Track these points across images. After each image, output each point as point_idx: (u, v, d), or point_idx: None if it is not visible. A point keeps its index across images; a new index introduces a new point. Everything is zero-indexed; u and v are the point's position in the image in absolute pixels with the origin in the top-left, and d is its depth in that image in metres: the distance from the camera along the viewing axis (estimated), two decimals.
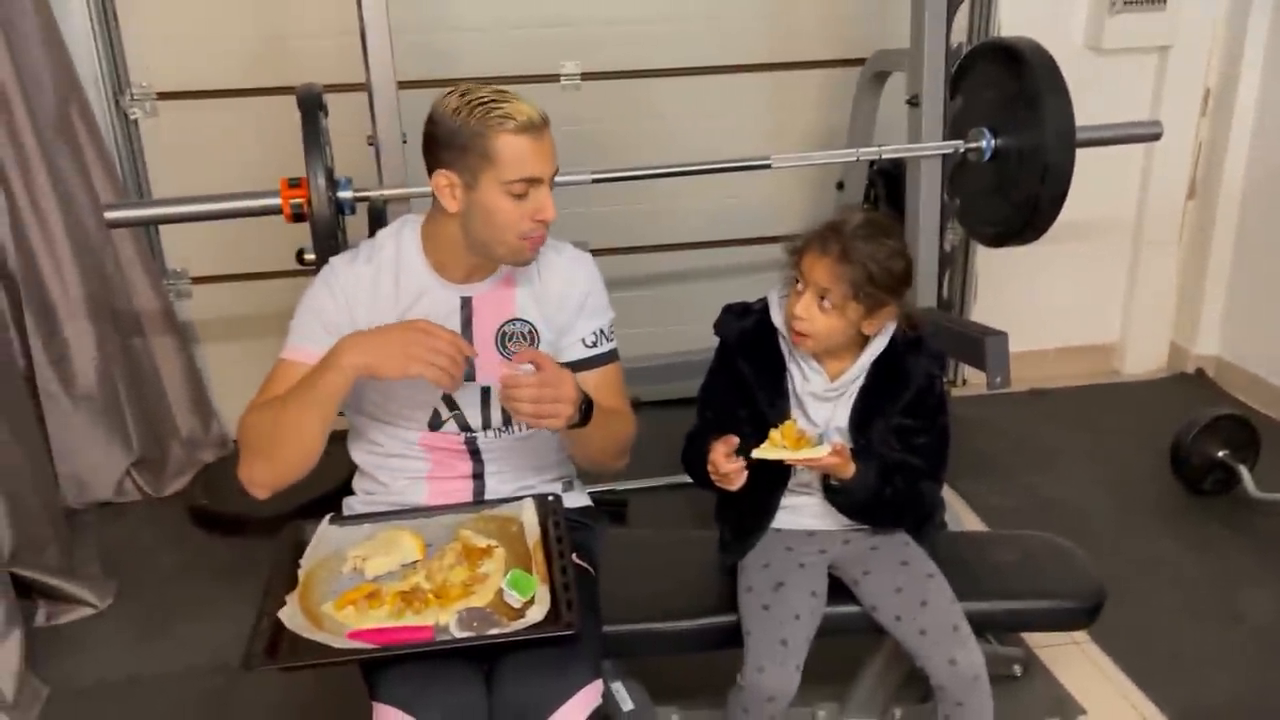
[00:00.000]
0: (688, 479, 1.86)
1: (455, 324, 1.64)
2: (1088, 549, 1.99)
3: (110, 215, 2.34)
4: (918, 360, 1.75)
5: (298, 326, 1.65)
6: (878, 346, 1.74)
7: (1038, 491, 2.96)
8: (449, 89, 1.58)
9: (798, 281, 1.69)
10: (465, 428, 1.70)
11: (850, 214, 1.71)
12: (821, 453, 1.63)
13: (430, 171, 1.59)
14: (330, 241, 2.11)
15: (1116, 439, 3.27)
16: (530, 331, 1.68)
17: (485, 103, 1.52)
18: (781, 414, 1.75)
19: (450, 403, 1.68)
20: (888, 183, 3.04)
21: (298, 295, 1.69)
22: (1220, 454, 2.87)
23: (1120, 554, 2.53)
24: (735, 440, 1.66)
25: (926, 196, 2.62)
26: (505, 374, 1.51)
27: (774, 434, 1.65)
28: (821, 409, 1.76)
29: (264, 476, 1.59)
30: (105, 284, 2.89)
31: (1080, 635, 2.33)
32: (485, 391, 1.67)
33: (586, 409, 1.58)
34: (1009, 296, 3.48)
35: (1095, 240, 3.58)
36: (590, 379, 1.74)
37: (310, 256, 2.23)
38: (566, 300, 1.70)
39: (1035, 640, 2.31)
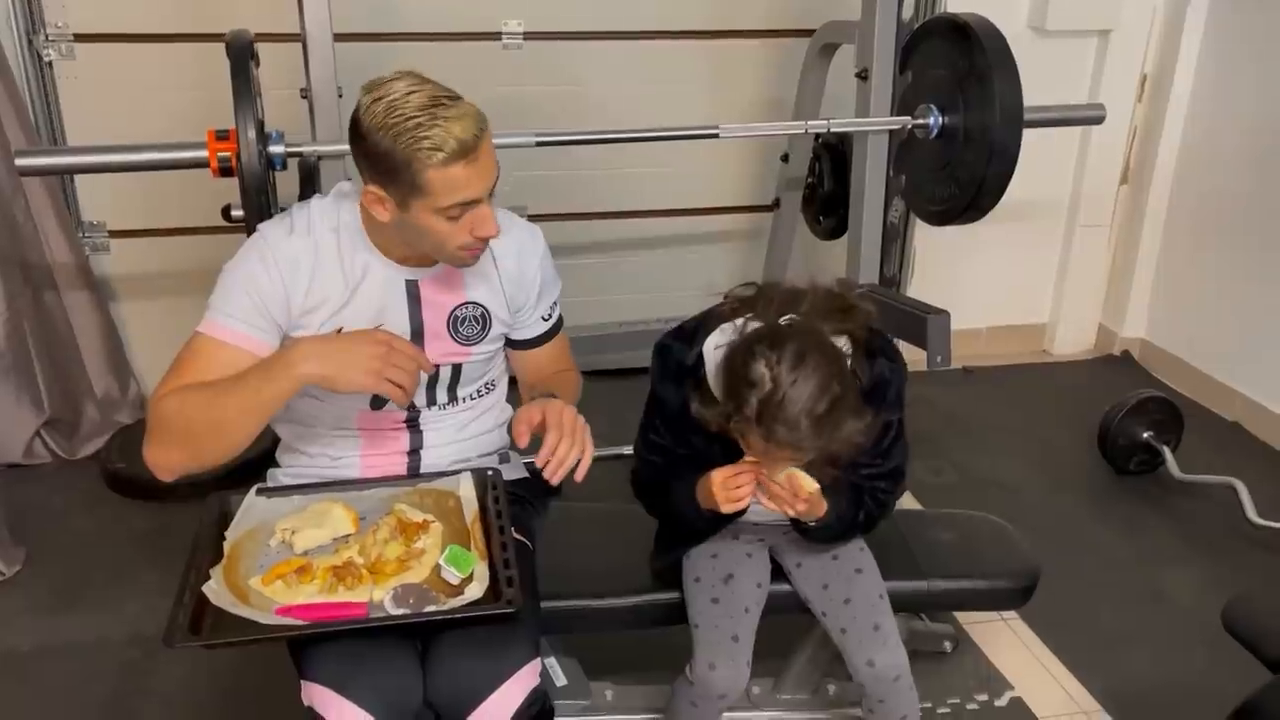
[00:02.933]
0: (626, 450, 1.81)
1: (402, 306, 1.56)
2: (1016, 528, 2.01)
3: (21, 162, 2.21)
4: (876, 414, 1.51)
5: (223, 301, 1.50)
6: None
7: (969, 470, 2.99)
8: (374, 90, 1.39)
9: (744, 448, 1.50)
10: (408, 406, 1.63)
11: (758, 369, 1.40)
12: (810, 487, 1.52)
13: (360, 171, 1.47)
14: (260, 198, 2.02)
15: (1045, 419, 3.32)
16: (483, 315, 1.62)
17: (413, 127, 1.34)
18: (738, 455, 1.59)
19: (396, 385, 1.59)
20: (833, 157, 3.02)
21: (223, 253, 1.57)
22: (1145, 435, 2.94)
23: (1048, 533, 2.57)
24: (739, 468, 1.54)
25: (872, 172, 2.61)
26: (540, 462, 1.49)
27: None
28: None
29: (177, 464, 1.50)
30: (15, 235, 2.74)
31: (1009, 613, 2.37)
32: (434, 370, 1.61)
33: None
34: (945, 274, 3.50)
35: (1030, 221, 3.63)
36: (544, 352, 1.74)
37: (238, 213, 2.14)
38: (522, 282, 1.64)
39: (965, 618, 2.33)
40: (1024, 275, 3.76)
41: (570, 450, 1.49)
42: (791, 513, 1.55)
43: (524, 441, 1.52)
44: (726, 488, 1.54)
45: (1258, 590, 2.18)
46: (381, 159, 1.37)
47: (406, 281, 1.55)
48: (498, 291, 1.62)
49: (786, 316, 1.49)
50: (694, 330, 1.60)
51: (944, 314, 2.32)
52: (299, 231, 1.53)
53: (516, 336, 1.70)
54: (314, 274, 1.51)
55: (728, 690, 1.63)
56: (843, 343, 1.51)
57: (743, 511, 1.60)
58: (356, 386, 1.42)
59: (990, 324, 3.78)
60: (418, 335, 1.57)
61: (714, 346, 1.55)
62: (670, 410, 1.62)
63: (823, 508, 1.59)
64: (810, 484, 1.53)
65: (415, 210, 1.41)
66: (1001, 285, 3.73)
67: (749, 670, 1.64)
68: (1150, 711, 2.08)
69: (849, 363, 1.50)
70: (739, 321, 1.52)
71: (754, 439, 1.44)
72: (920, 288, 3.49)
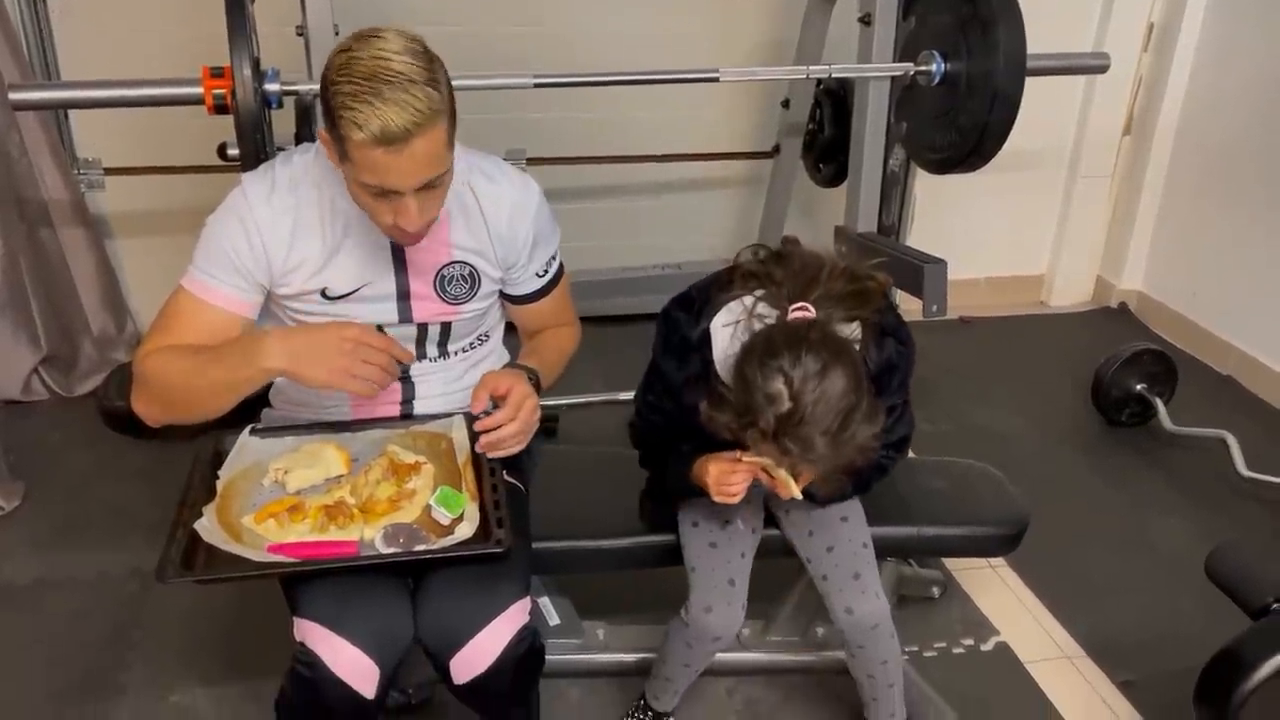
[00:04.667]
0: (621, 396, 1.82)
1: (386, 266, 1.52)
2: (1007, 477, 2.03)
3: (15, 96, 2.18)
4: (873, 379, 1.50)
5: (204, 258, 1.48)
6: None
7: (963, 419, 3.01)
8: (353, 39, 1.32)
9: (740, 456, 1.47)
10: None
11: (774, 384, 1.35)
12: (796, 493, 1.50)
13: None
14: (255, 136, 2.01)
15: (1040, 370, 3.33)
16: (471, 274, 1.57)
17: (349, 93, 1.27)
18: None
19: None
20: (834, 103, 3.00)
21: (219, 193, 1.55)
22: (1138, 387, 2.95)
23: (1038, 482, 2.59)
24: (739, 453, 1.51)
25: (873, 118, 2.58)
26: (480, 427, 1.48)
27: None
28: None
29: (159, 418, 1.51)
30: (9, 171, 2.73)
31: (996, 560, 2.40)
32: (422, 330, 1.60)
33: (536, 386, 1.57)
34: (944, 224, 3.48)
35: (1031, 172, 3.60)
36: (542, 306, 1.70)
37: (233, 152, 2.13)
38: (514, 239, 1.58)
39: (954, 564, 2.36)
40: (1023, 226, 3.75)
41: (512, 437, 1.48)
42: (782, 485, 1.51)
43: (478, 408, 1.49)
44: (720, 483, 1.54)
45: (1242, 539, 2.21)
46: (326, 108, 1.32)
47: (390, 243, 1.51)
48: (487, 250, 1.57)
49: (798, 306, 1.44)
50: (700, 303, 1.56)
51: (941, 263, 2.31)
52: (281, 188, 1.48)
53: (511, 293, 1.67)
54: (295, 234, 1.48)
55: (723, 633, 1.66)
56: (854, 327, 1.49)
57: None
58: (322, 384, 1.40)
59: (988, 275, 3.77)
60: (403, 296, 1.55)
61: (721, 325, 1.52)
62: (672, 382, 1.60)
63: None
64: (795, 491, 1.50)
65: (346, 171, 1.36)
66: (1000, 236, 3.72)
67: (744, 614, 1.67)
68: (1133, 657, 2.11)
69: (859, 349, 1.46)
70: (748, 301, 1.48)
71: (766, 448, 1.40)
72: (919, 238, 3.45)
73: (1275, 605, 1.45)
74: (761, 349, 1.39)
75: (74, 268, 2.96)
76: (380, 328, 1.55)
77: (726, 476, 1.53)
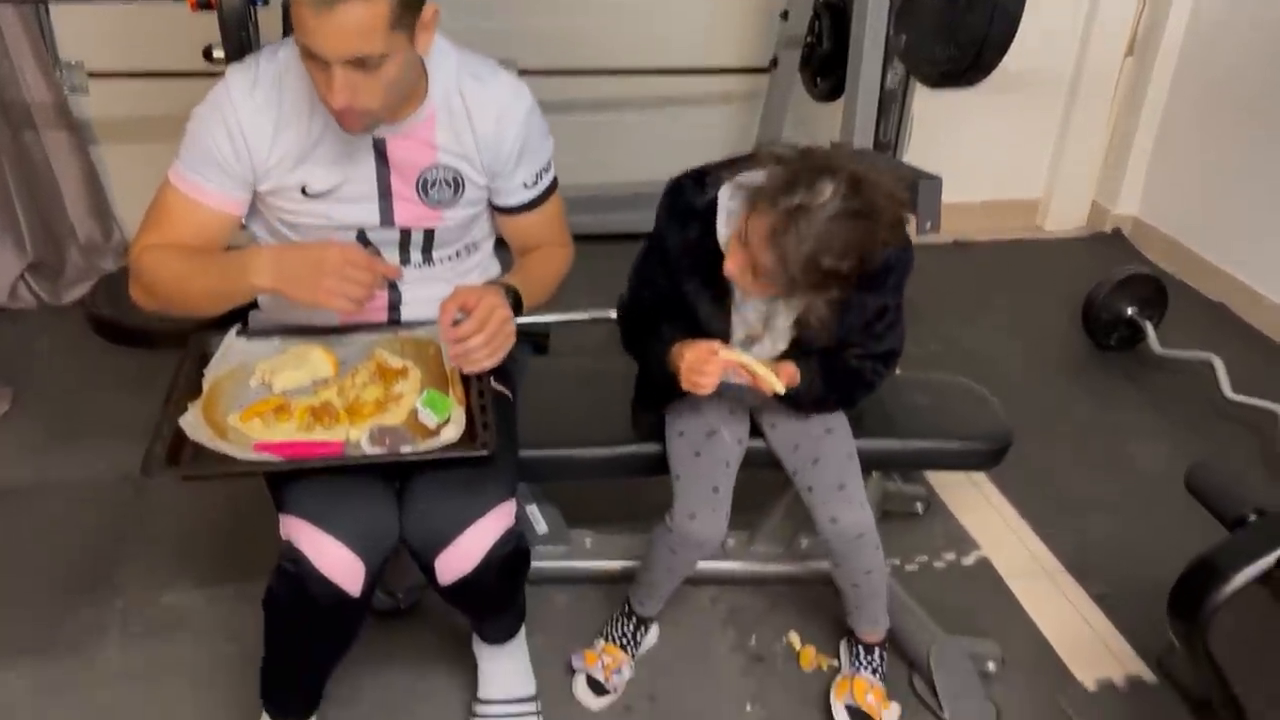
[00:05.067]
0: (612, 314, 1.82)
1: (368, 164, 1.49)
2: (994, 396, 2.03)
3: None
4: (866, 297, 1.56)
5: (189, 154, 1.48)
6: None
7: (952, 341, 3.01)
8: None
9: (741, 231, 1.45)
10: None
11: (823, 187, 1.37)
12: (778, 387, 1.54)
13: None
14: (240, 34, 1.97)
15: (1032, 294, 3.33)
16: (455, 178, 1.54)
17: None
18: (721, 319, 1.63)
19: (365, 243, 1.56)
20: (833, 15, 2.94)
21: (204, 96, 1.53)
22: (1129, 311, 2.95)
23: (1025, 403, 2.61)
24: (716, 343, 1.55)
25: (872, 31, 2.53)
26: (447, 338, 1.45)
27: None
28: (761, 308, 1.62)
29: (154, 309, 1.54)
30: None
31: (979, 477, 2.42)
32: (405, 235, 1.58)
33: (516, 304, 1.55)
34: (941, 146, 3.43)
35: (1030, 93, 3.55)
36: (530, 219, 1.67)
37: (219, 54, 2.08)
38: (501, 145, 1.54)
39: (937, 481, 2.39)
40: (1020, 150, 3.71)
41: (480, 350, 1.44)
42: (766, 382, 1.55)
43: (446, 320, 1.45)
44: (692, 369, 1.55)
45: (1223, 455, 2.23)
46: None
47: (374, 140, 1.48)
48: (472, 154, 1.54)
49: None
50: (714, 175, 1.55)
51: (935, 178, 2.28)
52: (264, 83, 1.45)
53: (498, 202, 1.64)
54: (277, 128, 1.46)
55: (706, 539, 1.68)
56: None
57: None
58: (308, 303, 1.40)
59: (984, 198, 3.74)
60: (385, 196, 1.52)
61: (728, 196, 1.53)
62: (670, 250, 1.61)
63: (796, 377, 1.61)
64: (777, 385, 1.54)
65: (296, 37, 1.34)
66: (997, 160, 3.68)
67: (727, 522, 1.68)
68: (1110, 572, 2.14)
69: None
70: (761, 175, 1.45)
71: (757, 224, 1.41)
72: (915, 159, 3.42)
73: (1253, 517, 1.47)
74: (833, 161, 1.40)
75: (59, 173, 2.92)
76: (362, 233, 1.54)
77: (699, 364, 1.54)
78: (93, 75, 2.99)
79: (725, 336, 1.64)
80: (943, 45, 2.39)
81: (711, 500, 1.68)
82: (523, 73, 3.19)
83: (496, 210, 1.67)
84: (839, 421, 1.77)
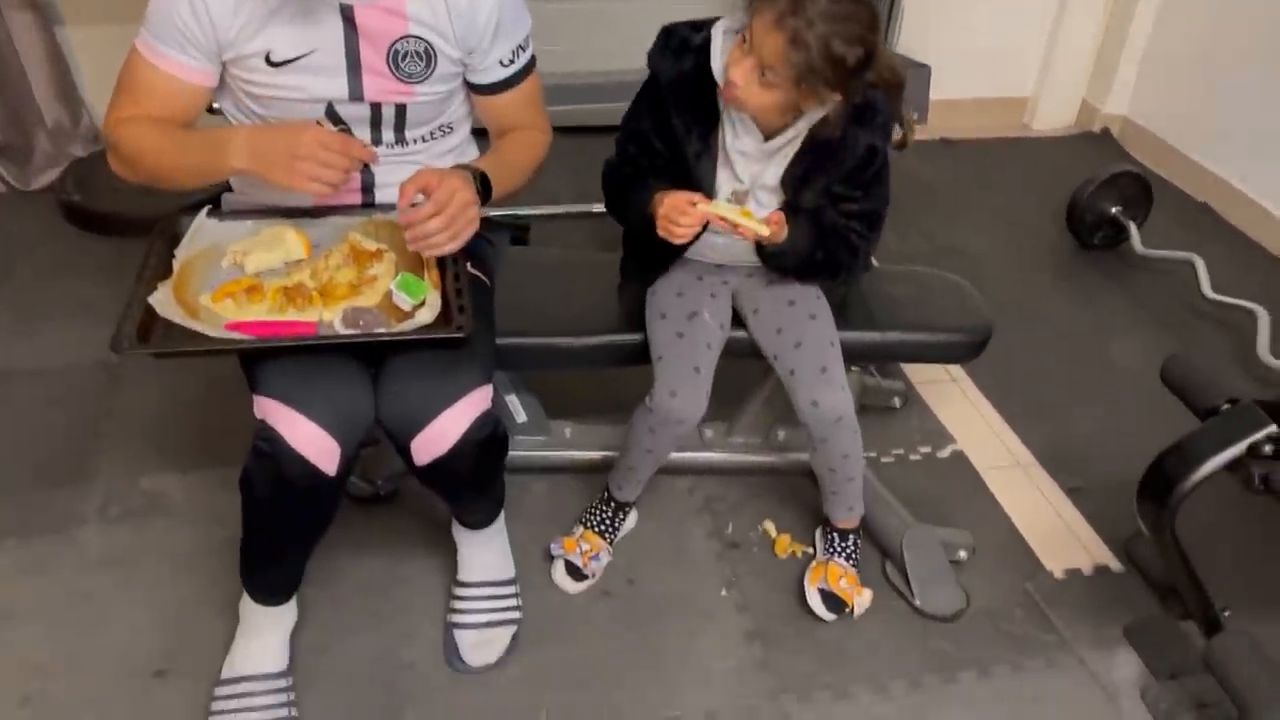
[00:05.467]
0: (595, 208, 1.80)
1: (336, 33, 1.44)
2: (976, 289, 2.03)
3: None
4: (859, 131, 1.61)
5: (157, 25, 1.43)
6: (816, 114, 1.59)
7: (935, 238, 3.00)
8: None
9: (744, 39, 1.49)
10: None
11: None
12: (762, 230, 1.57)
13: None
14: None
15: (1017, 193, 3.30)
16: (426, 50, 1.49)
17: None
18: (708, 168, 1.66)
19: (335, 119, 1.52)
20: None
21: None
22: (1113, 210, 2.94)
23: (1006, 300, 2.61)
24: (698, 195, 1.58)
25: None
26: (404, 220, 1.41)
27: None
28: (750, 167, 1.67)
29: (134, 180, 1.52)
30: None
31: (957, 372, 2.44)
32: (375, 110, 1.53)
33: (485, 189, 1.51)
34: (932, 41, 3.37)
35: None
36: (506, 99, 1.63)
37: None
38: (475, 19, 1.49)
39: (915, 376, 2.40)
40: (1012, 45, 3.64)
41: (439, 234, 1.41)
42: (749, 228, 1.58)
43: (403, 203, 1.42)
44: (669, 217, 1.57)
45: (1200, 353, 2.24)
46: None
47: (341, 6, 1.43)
48: (445, 27, 1.49)
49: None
50: (707, 21, 1.60)
51: (924, 67, 2.25)
52: None
53: (473, 80, 1.59)
54: (239, 3, 1.40)
55: (686, 417, 1.68)
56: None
57: (683, 248, 1.68)
58: (283, 186, 1.38)
59: (973, 95, 3.68)
60: (354, 68, 1.47)
61: (723, 30, 1.58)
62: (662, 85, 1.64)
63: (783, 234, 1.63)
64: (760, 228, 1.57)
65: None
66: (988, 55, 3.61)
67: (707, 401, 1.69)
68: (1082, 466, 2.17)
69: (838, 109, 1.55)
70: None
71: (762, 18, 1.45)
72: (905, 52, 3.37)
73: (1225, 406, 1.48)
74: None
75: (23, 55, 2.82)
76: (331, 107, 1.50)
77: (676, 214, 1.56)
78: None
79: (711, 193, 1.66)
80: None
81: (693, 379, 1.68)
82: None
83: (472, 89, 1.63)
84: (822, 308, 1.77)
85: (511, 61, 1.60)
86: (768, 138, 1.63)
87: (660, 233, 1.60)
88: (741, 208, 1.61)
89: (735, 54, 1.51)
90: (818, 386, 1.68)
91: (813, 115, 1.59)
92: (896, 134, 1.70)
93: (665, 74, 1.64)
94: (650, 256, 1.80)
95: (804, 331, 1.73)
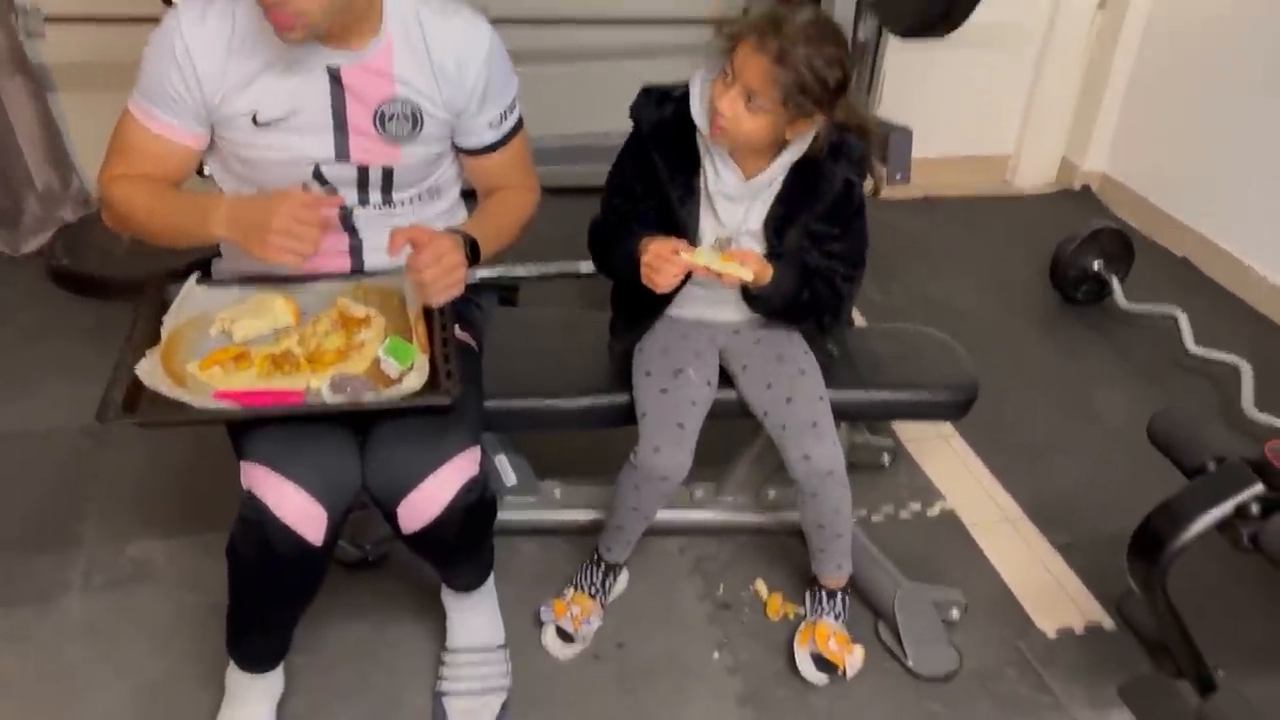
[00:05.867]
0: (583, 268, 1.82)
1: (323, 93, 1.45)
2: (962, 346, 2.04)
3: None
4: (836, 166, 1.67)
5: (145, 85, 1.46)
6: (796, 150, 1.65)
7: (919, 294, 3.02)
8: None
9: (726, 73, 1.56)
10: (341, 207, 1.57)
11: (795, 10, 1.55)
12: (745, 275, 1.60)
13: None
14: None
15: (1000, 249, 3.34)
16: (414, 111, 1.51)
17: None
18: (691, 213, 1.70)
19: (321, 180, 1.53)
20: None
21: (158, 26, 1.49)
22: (1095, 265, 2.97)
23: (990, 355, 2.62)
24: (682, 243, 1.62)
25: None
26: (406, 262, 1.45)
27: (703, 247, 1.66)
28: (733, 210, 1.70)
29: (127, 234, 1.55)
30: None
31: (946, 428, 2.44)
32: (363, 173, 1.54)
33: (473, 252, 1.53)
34: (913, 101, 3.41)
35: (1002, 46, 3.54)
36: (495, 160, 1.65)
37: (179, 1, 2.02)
38: (462, 84, 1.52)
39: (904, 433, 2.40)
40: (992, 104, 3.70)
41: (428, 286, 1.44)
42: (733, 276, 1.62)
43: (393, 250, 1.45)
44: (652, 265, 1.61)
45: (1184, 405, 2.25)
46: None
47: (328, 67, 1.45)
48: (433, 88, 1.51)
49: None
50: (684, 84, 1.68)
51: (906, 130, 2.29)
52: (215, 11, 1.43)
53: (461, 143, 1.61)
54: (228, 54, 1.43)
55: (670, 473, 1.68)
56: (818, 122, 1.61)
57: (670, 296, 1.71)
58: (259, 257, 1.39)
59: (954, 154, 3.74)
60: (340, 128, 1.49)
61: (701, 78, 1.64)
62: (644, 132, 1.70)
63: (767, 275, 1.65)
64: (744, 272, 1.60)
65: None
66: (969, 114, 3.67)
67: (691, 458, 1.69)
68: (1071, 521, 2.17)
69: (816, 142, 1.64)
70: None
71: (744, 46, 1.52)
72: (887, 112, 3.41)
73: (1212, 465, 1.49)
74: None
75: (15, 120, 2.84)
76: (318, 168, 1.51)
77: (660, 261, 1.60)
78: (50, 20, 2.90)
79: (695, 240, 1.70)
80: None
81: (676, 435, 1.68)
82: (494, 21, 3.16)
83: (460, 151, 1.64)
84: (810, 364, 1.79)
85: (500, 123, 1.61)
86: (748, 178, 1.67)
87: (644, 281, 1.62)
88: (723, 253, 1.63)
89: (718, 89, 1.57)
90: (808, 441, 1.68)
91: (794, 150, 1.65)
92: (869, 183, 1.74)
93: (646, 121, 1.70)
94: (638, 308, 1.82)
95: (794, 387, 1.74)
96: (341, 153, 1.51)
